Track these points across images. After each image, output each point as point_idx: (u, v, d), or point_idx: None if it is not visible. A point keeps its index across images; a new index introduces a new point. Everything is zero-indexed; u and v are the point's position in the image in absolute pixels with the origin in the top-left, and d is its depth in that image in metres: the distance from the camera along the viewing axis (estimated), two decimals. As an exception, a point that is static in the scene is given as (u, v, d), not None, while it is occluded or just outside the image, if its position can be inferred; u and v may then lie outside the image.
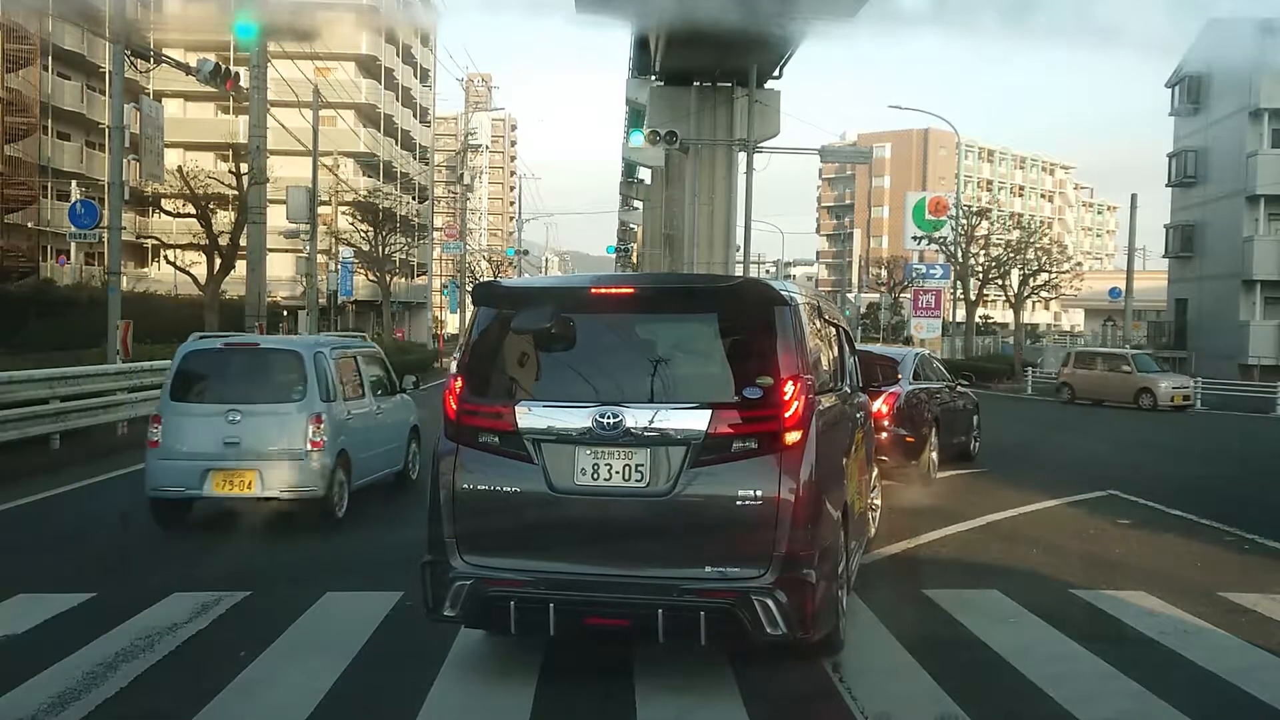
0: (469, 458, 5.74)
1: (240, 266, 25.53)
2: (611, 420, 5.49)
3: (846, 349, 7.88)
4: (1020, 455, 16.80)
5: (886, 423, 11.99)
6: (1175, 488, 13.58)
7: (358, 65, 64.81)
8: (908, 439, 12.66)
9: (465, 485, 5.71)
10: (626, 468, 5.52)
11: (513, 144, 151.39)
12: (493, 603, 5.56)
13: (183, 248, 31.87)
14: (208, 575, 8.07)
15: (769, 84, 35.94)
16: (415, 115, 77.74)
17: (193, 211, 26.15)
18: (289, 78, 35.64)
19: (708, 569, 5.41)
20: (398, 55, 72.92)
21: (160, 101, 58.47)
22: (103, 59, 43.24)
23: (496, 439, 5.70)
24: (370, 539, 9.88)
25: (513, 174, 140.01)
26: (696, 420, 5.46)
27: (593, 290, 6.05)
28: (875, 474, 9.54)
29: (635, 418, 5.49)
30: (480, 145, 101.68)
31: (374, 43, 66.25)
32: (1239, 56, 36.06)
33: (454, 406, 5.86)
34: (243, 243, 24.16)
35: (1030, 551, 9.32)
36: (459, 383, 5.91)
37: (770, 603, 5.30)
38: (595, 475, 5.54)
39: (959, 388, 16.05)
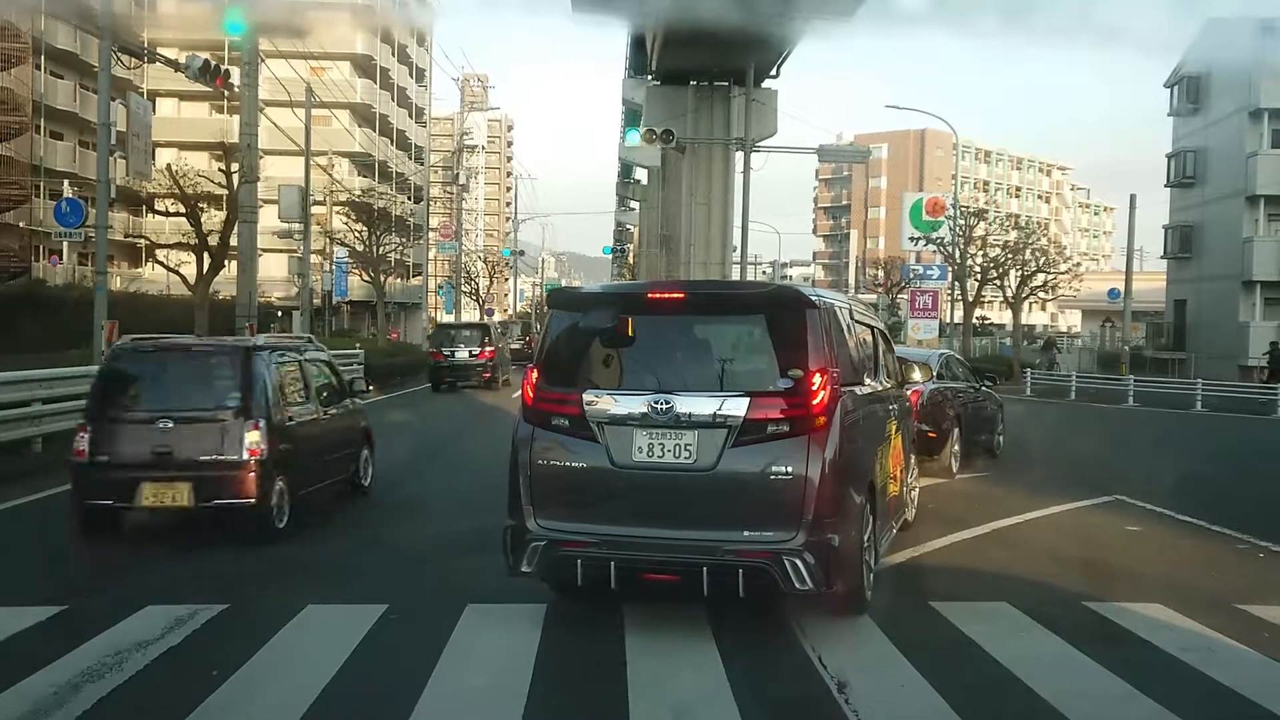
0: (543, 438, 6.64)
1: (233, 266, 25.24)
2: (664, 406, 6.35)
3: (882, 348, 8.79)
4: (1022, 459, 16.50)
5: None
6: (1182, 492, 13.28)
7: (353, 65, 64.46)
8: (929, 434, 13.44)
9: (540, 461, 6.60)
10: (677, 447, 6.35)
11: (509, 144, 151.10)
12: (563, 560, 6.45)
13: (171, 247, 31.51)
14: (184, 587, 7.74)
15: (766, 83, 35.68)
16: (411, 115, 77.39)
17: (183, 210, 25.76)
18: (284, 77, 35.26)
19: (745, 533, 6.23)
20: (393, 55, 72.59)
21: (153, 101, 58.15)
22: (96, 58, 42.84)
23: (567, 422, 6.59)
24: (355, 549, 9.57)
25: (509, 174, 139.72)
26: (737, 407, 6.29)
27: (649, 295, 7.11)
28: (914, 462, 10.35)
29: (685, 404, 6.35)
30: (476, 146, 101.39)
31: (369, 42, 65.90)
32: (1239, 56, 35.83)
33: (531, 394, 6.79)
34: (234, 242, 23.84)
35: (1039, 560, 9.01)
36: (535, 374, 6.81)
37: (799, 562, 6.08)
38: (650, 453, 6.39)
39: (984, 388, 16.66)
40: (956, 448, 14.34)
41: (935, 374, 14.42)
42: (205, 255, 23.02)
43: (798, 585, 6.09)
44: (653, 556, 6.33)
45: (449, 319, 67.22)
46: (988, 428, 16.40)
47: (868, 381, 7.84)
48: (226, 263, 25.63)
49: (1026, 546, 9.62)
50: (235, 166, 23.17)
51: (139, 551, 9.32)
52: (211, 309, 28.76)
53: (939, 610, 7.18)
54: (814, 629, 6.64)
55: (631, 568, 6.36)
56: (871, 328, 8.60)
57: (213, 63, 19.48)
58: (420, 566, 8.64)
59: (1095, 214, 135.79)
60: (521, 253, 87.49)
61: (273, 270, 57.11)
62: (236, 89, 21.26)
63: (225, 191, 23.87)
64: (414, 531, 10.25)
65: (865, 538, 6.90)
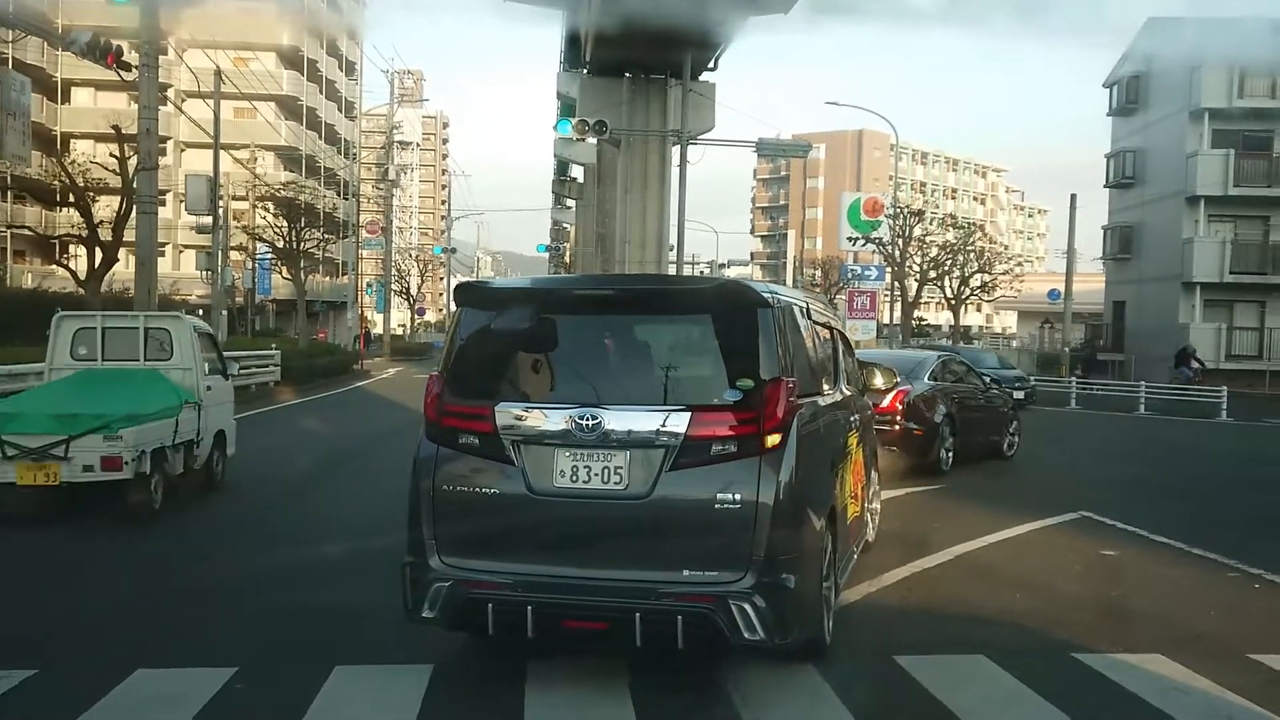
0: (449, 460, 5.67)
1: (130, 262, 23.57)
2: (591, 422, 5.40)
3: (841, 351, 7.87)
4: (973, 469, 15.46)
5: (898, 418, 13.34)
6: (1148, 506, 12.39)
7: (279, 56, 62.59)
8: (916, 432, 13.75)
9: (445, 487, 5.63)
10: (606, 470, 5.43)
11: (444, 141, 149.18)
12: (471, 605, 5.46)
13: (57, 238, 29.64)
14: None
15: (704, 76, 34.56)
16: (340, 109, 75.49)
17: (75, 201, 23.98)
18: (204, 68, 33.53)
19: (686, 572, 5.28)
20: (321, 47, 70.70)
21: (68, 90, 55.76)
22: (9, 48, 40.89)
23: (477, 440, 5.62)
24: (202, 590, 7.93)
25: (444, 172, 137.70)
26: (676, 423, 5.35)
27: (575, 291, 6.31)
28: (876, 477, 9.58)
29: (614, 420, 5.40)
30: (410, 142, 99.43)
31: (296, 33, 64.00)
32: (1184, 54, 35.41)
33: (434, 408, 5.80)
34: (131, 237, 22.16)
35: (1014, 596, 7.86)
36: (440, 384, 5.81)
37: (748, 607, 5.16)
38: (574, 477, 5.47)
39: (991, 390, 16.97)
40: (947, 449, 14.50)
41: (928, 375, 14.73)
42: (97, 249, 21.26)
43: (746, 635, 5.14)
44: (576, 600, 5.35)
45: (378, 318, 65.53)
46: (993, 429, 16.47)
47: (827, 390, 6.88)
48: (122, 257, 23.87)
49: (996, 577, 8.47)
50: (131, 153, 21.48)
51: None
52: (117, 307, 27.04)
53: (907, 669, 5.97)
54: (756, 694, 5.45)
55: (551, 613, 5.36)
56: (831, 328, 7.63)
57: (102, 39, 17.90)
58: (280, 615, 7.14)
59: (1030, 216, 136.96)
60: (454, 250, 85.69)
61: (190, 267, 55.08)
62: (134, 69, 19.67)
63: (120, 180, 22.06)
64: (276, 567, 8.76)
65: (825, 572, 6.02)
